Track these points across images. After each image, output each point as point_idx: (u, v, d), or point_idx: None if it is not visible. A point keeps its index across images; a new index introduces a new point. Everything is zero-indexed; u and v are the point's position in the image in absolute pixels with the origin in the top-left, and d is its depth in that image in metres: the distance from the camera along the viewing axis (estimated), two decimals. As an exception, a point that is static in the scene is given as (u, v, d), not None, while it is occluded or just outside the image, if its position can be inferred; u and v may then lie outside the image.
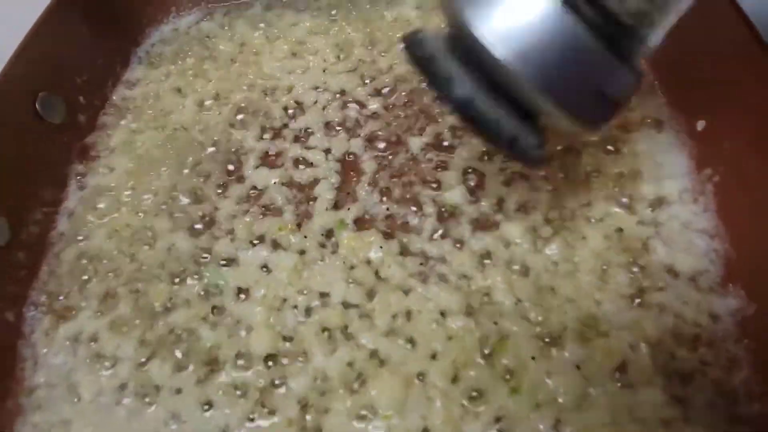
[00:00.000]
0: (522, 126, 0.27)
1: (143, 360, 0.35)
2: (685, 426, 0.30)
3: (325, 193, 0.40)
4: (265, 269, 0.38)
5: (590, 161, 0.39)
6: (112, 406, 0.34)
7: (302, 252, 0.38)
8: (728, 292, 0.33)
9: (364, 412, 0.32)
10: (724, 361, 0.31)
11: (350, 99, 0.46)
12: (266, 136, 0.45)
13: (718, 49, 0.38)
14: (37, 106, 0.42)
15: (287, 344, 0.34)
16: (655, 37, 0.27)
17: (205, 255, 0.39)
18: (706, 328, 0.32)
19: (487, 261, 0.36)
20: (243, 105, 0.47)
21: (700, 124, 0.38)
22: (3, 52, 0.41)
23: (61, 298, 0.38)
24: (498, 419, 0.30)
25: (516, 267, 0.36)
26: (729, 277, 0.34)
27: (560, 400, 0.31)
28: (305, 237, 0.39)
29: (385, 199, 0.40)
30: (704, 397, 0.30)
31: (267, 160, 0.43)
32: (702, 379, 0.31)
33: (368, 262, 0.37)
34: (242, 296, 0.37)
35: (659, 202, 0.37)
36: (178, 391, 0.34)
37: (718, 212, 0.36)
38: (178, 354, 0.35)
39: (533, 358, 0.32)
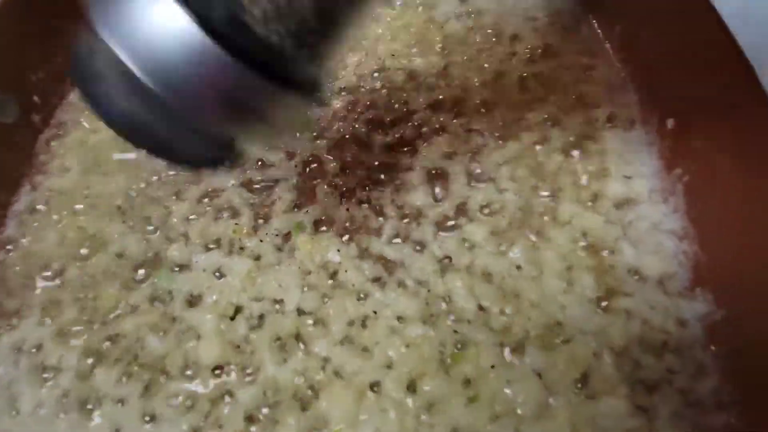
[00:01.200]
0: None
1: (87, 370, 0.33)
2: (649, 437, 0.28)
3: (284, 194, 0.39)
4: (218, 274, 0.36)
5: (557, 160, 0.38)
6: (53, 419, 0.32)
7: (257, 257, 0.36)
8: (696, 297, 0.32)
9: (314, 426, 0.30)
10: (691, 369, 0.30)
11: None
12: (227, 135, 0.43)
13: (691, 47, 0.37)
14: (-15, 105, 0.40)
15: (237, 353, 0.33)
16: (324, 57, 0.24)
17: (157, 259, 0.37)
18: (674, 334, 0.31)
19: (448, 265, 0.35)
20: (204, 104, 0.45)
21: (670, 123, 0.37)
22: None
23: (4, 305, 0.36)
24: (454, 431, 0.29)
25: (478, 271, 0.34)
26: (697, 280, 0.33)
27: (519, 411, 0.29)
28: (261, 241, 0.37)
29: (345, 200, 0.38)
30: (670, 407, 0.29)
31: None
32: (668, 388, 0.30)
33: (325, 266, 0.35)
34: (193, 303, 0.35)
35: (627, 202, 0.36)
36: (122, 402, 0.32)
37: (688, 213, 0.35)
38: (124, 363, 0.33)
39: (493, 366, 0.31)
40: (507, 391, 0.30)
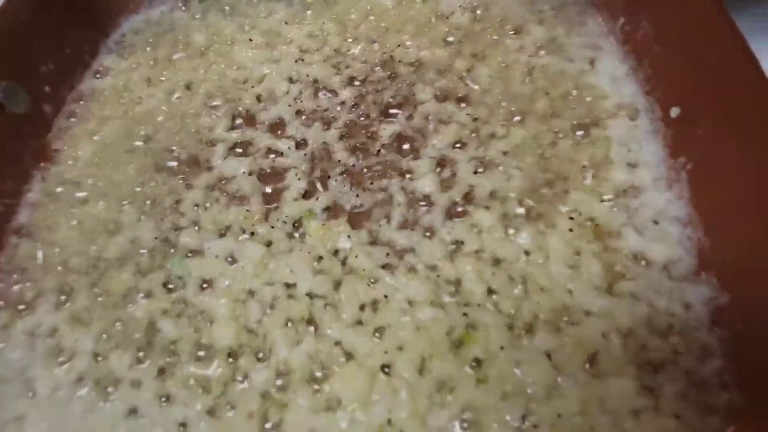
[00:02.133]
0: None
1: (102, 353, 0.34)
2: (655, 416, 0.29)
3: (294, 182, 0.40)
4: (230, 260, 0.37)
5: (563, 149, 0.39)
6: (69, 401, 0.32)
7: (269, 243, 0.37)
8: (701, 281, 0.33)
9: (327, 406, 0.31)
10: (696, 351, 0.31)
11: (323, 88, 0.45)
12: (237, 125, 0.44)
13: (694, 38, 0.37)
14: (-2, 94, 0.41)
15: (251, 337, 0.33)
16: None
17: (169, 246, 0.38)
18: (679, 317, 0.32)
19: (457, 250, 0.35)
20: (214, 95, 0.46)
21: (674, 111, 0.38)
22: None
23: (19, 291, 0.37)
24: (464, 410, 0.30)
25: (487, 256, 0.35)
26: (702, 265, 0.33)
27: (529, 390, 0.30)
28: (272, 227, 0.38)
29: (355, 188, 0.39)
30: (675, 387, 0.30)
31: (236, 150, 0.42)
32: (674, 369, 0.30)
33: (336, 252, 0.36)
34: (206, 288, 0.36)
35: (632, 189, 0.37)
36: (137, 384, 0.32)
37: (692, 200, 0.35)
38: (138, 347, 0.34)
39: (502, 347, 0.31)
40: (516, 371, 0.30)
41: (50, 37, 0.47)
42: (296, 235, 0.37)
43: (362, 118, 0.43)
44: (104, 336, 0.34)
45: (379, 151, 0.41)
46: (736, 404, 0.29)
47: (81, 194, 0.41)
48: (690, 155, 0.36)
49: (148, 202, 0.40)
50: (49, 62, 0.46)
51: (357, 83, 0.45)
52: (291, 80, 0.46)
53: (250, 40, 0.49)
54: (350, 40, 0.48)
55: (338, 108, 0.43)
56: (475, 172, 0.39)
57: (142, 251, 0.38)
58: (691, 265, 0.34)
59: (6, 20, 0.42)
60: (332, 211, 0.38)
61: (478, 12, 0.48)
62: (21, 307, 0.36)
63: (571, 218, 0.36)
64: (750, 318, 0.30)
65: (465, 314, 0.33)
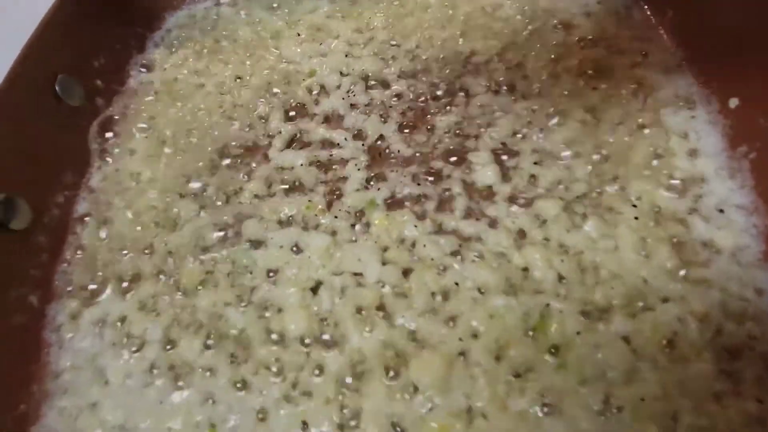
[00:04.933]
0: None
1: (171, 342, 0.34)
2: (736, 400, 0.29)
3: (354, 173, 0.40)
4: (295, 250, 0.37)
5: (622, 139, 0.39)
6: (142, 389, 0.33)
7: (333, 232, 0.37)
8: (771, 267, 0.33)
9: (404, 392, 0.31)
10: (772, 335, 0.31)
11: (375, 81, 0.45)
12: (291, 118, 0.44)
13: (748, 25, 0.37)
14: (56, 87, 0.41)
15: (322, 325, 0.34)
16: None
17: (232, 237, 0.38)
18: (752, 302, 0.32)
19: (523, 239, 0.35)
20: (264, 88, 0.46)
21: (733, 102, 0.38)
22: (22, 35, 0.40)
23: (85, 281, 0.37)
24: (544, 395, 0.30)
25: (554, 244, 0.35)
26: (771, 251, 0.34)
27: (609, 374, 0.30)
28: (335, 217, 0.38)
29: (415, 179, 0.39)
30: (754, 371, 0.30)
31: (293, 142, 0.43)
32: (750, 354, 0.30)
33: (402, 241, 0.36)
34: (273, 277, 0.36)
35: (695, 178, 0.37)
36: (211, 372, 0.33)
37: (756, 188, 0.36)
38: (209, 336, 0.34)
39: (578, 333, 0.31)
40: (596, 355, 0.30)
41: (100, 33, 0.47)
42: (360, 225, 0.37)
43: (417, 110, 0.43)
44: (173, 325, 0.35)
45: (437, 141, 0.41)
46: (816, 387, 0.29)
47: (139, 186, 0.41)
48: (751, 145, 0.36)
49: (208, 194, 0.40)
50: (101, 57, 0.46)
51: (408, 76, 0.45)
52: (341, 74, 0.46)
53: (298, 34, 0.49)
54: (397, 33, 0.48)
55: (392, 100, 0.44)
56: (536, 163, 0.39)
57: (204, 242, 0.38)
58: (759, 252, 0.34)
59: (60, 17, 0.43)
60: (394, 201, 0.38)
61: (526, 6, 0.48)
62: (88, 296, 0.36)
63: (635, 206, 0.36)
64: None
65: (537, 301, 0.33)
